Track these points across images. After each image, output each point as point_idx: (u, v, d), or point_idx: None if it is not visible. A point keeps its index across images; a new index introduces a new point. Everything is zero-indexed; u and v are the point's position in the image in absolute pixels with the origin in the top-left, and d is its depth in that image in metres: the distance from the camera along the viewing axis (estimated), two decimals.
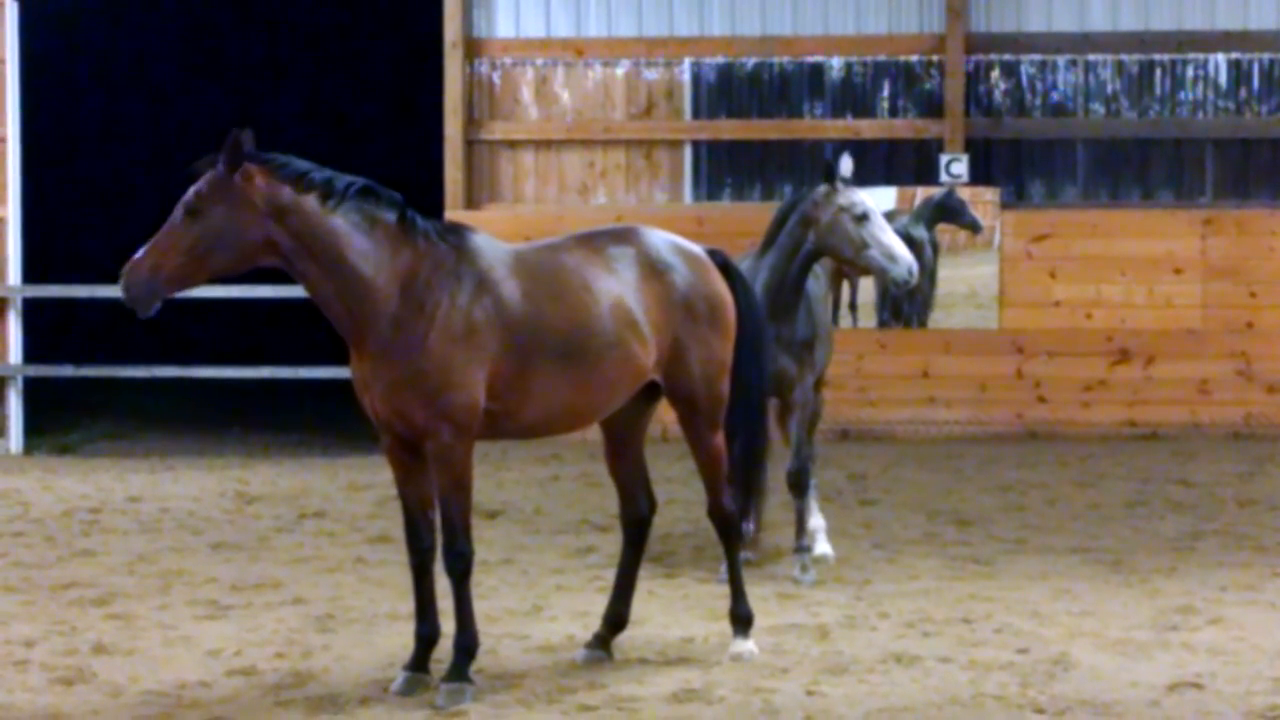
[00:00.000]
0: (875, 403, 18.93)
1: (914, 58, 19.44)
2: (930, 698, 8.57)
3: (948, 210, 19.05)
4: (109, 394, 22.05)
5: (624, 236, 9.26)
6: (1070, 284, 18.88)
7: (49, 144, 22.84)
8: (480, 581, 10.44)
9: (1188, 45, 19.24)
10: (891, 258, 11.26)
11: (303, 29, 28.61)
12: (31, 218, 19.45)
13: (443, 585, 8.79)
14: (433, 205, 19.36)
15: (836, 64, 19.51)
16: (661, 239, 9.31)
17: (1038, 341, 18.88)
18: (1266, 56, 19.22)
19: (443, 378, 8.49)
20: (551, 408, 8.87)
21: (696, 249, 9.41)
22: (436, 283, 8.56)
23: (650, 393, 9.27)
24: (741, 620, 9.46)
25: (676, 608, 10.67)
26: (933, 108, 19.38)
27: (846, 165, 11.53)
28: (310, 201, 8.49)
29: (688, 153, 19.68)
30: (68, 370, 19.52)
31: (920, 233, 18.65)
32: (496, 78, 19.74)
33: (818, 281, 12.10)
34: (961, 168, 19.08)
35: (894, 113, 19.50)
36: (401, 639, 9.51)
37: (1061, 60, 19.38)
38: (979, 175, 19.23)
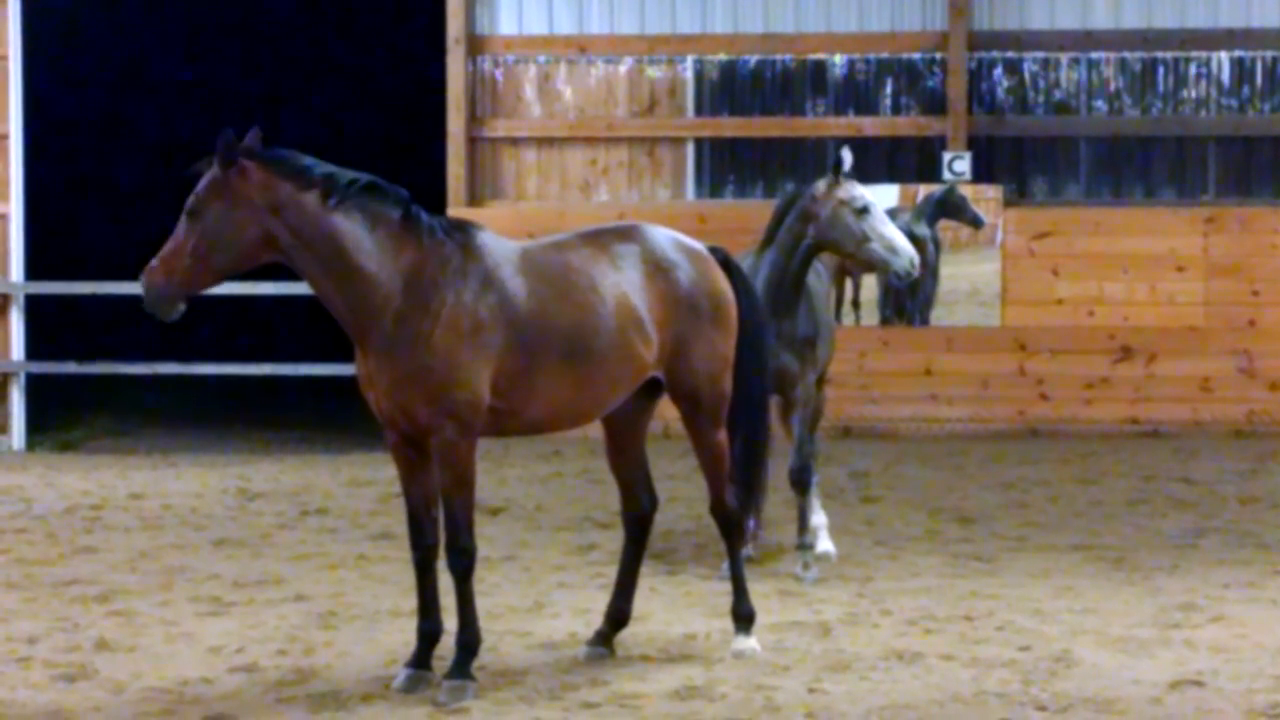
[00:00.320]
0: (877, 400, 18.93)
1: (917, 55, 19.43)
2: (932, 695, 8.57)
3: (950, 207, 19.04)
4: (111, 390, 22.05)
5: (628, 234, 9.26)
6: (1073, 281, 18.88)
7: (51, 140, 22.86)
8: (482, 578, 10.44)
9: (1190, 43, 19.23)
10: (892, 250, 11.26)
11: (305, 26, 28.60)
12: (34, 214, 19.46)
13: (445, 582, 8.79)
14: (435, 202, 19.35)
15: (839, 61, 19.50)
16: (665, 236, 9.31)
17: (1040, 339, 18.88)
18: (1269, 54, 19.20)
19: (447, 375, 8.49)
20: (555, 405, 8.87)
21: (699, 246, 9.41)
22: (442, 280, 8.56)
23: (652, 389, 9.27)
24: (743, 617, 9.46)
25: (679, 605, 10.67)
26: (935, 105, 19.37)
27: (847, 160, 11.53)
28: (310, 198, 8.49)
29: (690, 150, 19.67)
30: (70, 367, 19.53)
31: (922, 230, 18.65)
32: (499, 75, 19.73)
33: (820, 279, 12.10)
34: (964, 165, 19.07)
35: (897, 110, 19.49)
36: (404, 636, 9.52)
37: (1064, 58, 19.37)
38: (981, 173, 19.22)
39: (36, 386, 19.50)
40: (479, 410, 8.58)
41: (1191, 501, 14.58)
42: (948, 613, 10.37)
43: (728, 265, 9.48)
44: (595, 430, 9.60)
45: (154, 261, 8.45)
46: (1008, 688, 8.70)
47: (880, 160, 19.28)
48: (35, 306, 19.60)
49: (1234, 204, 19.12)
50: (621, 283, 8.99)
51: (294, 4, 27.38)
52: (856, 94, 19.50)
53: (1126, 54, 19.31)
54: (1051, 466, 16.59)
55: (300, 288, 9.33)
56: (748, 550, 11.35)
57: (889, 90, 19.48)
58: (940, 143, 19.28)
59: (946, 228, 19.09)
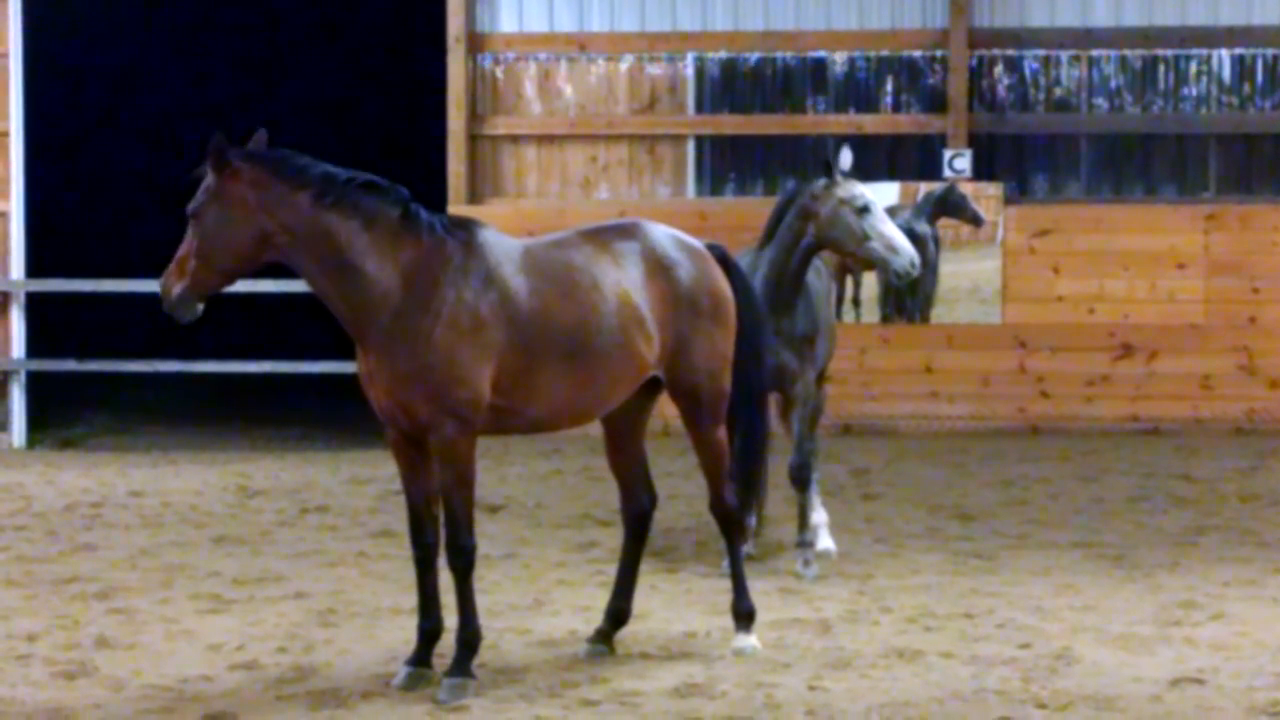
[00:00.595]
0: (878, 397, 18.93)
1: (917, 53, 19.42)
2: (932, 693, 8.57)
3: (950, 205, 19.04)
4: (111, 388, 22.06)
5: (629, 232, 9.26)
6: (1073, 279, 18.88)
7: (52, 138, 22.86)
8: (482, 576, 10.44)
9: (1191, 40, 19.22)
10: (893, 249, 11.26)
11: (306, 23, 28.60)
12: (34, 212, 19.46)
13: (445, 580, 8.79)
14: (435, 200, 19.35)
15: (840, 59, 19.50)
16: (665, 234, 9.31)
17: (1040, 336, 18.88)
18: (1270, 52, 19.20)
19: (448, 372, 8.50)
20: (557, 404, 8.88)
21: (698, 244, 9.42)
22: (444, 277, 8.57)
23: (651, 387, 9.27)
24: (743, 615, 9.45)
25: (679, 602, 10.67)
26: (936, 103, 19.37)
27: (846, 158, 11.52)
28: (304, 197, 8.50)
29: (690, 147, 19.66)
30: (70, 364, 19.54)
31: (922, 227, 18.65)
32: (499, 72, 19.73)
33: (821, 276, 12.10)
34: (964, 163, 19.07)
35: (897, 108, 19.48)
36: (404, 633, 9.52)
37: (1065, 55, 19.36)
38: (982, 170, 19.21)
39: (37, 384, 19.50)
40: (479, 408, 8.58)
41: (1192, 499, 14.58)
42: (948, 610, 10.37)
43: (725, 262, 9.48)
44: (595, 428, 9.61)
45: (170, 266, 8.56)
46: (1008, 685, 8.69)
47: (881, 158, 19.28)
48: (35, 304, 19.60)
49: (1234, 201, 19.11)
50: (623, 281, 9.00)
51: (294, 2, 27.37)
52: (857, 91, 19.50)
53: (1127, 52, 19.31)
54: (1052, 464, 16.59)
55: (300, 285, 9.32)
56: (748, 548, 11.35)
57: (890, 88, 19.47)
58: (941, 140, 19.28)
59: (947, 225, 19.08)
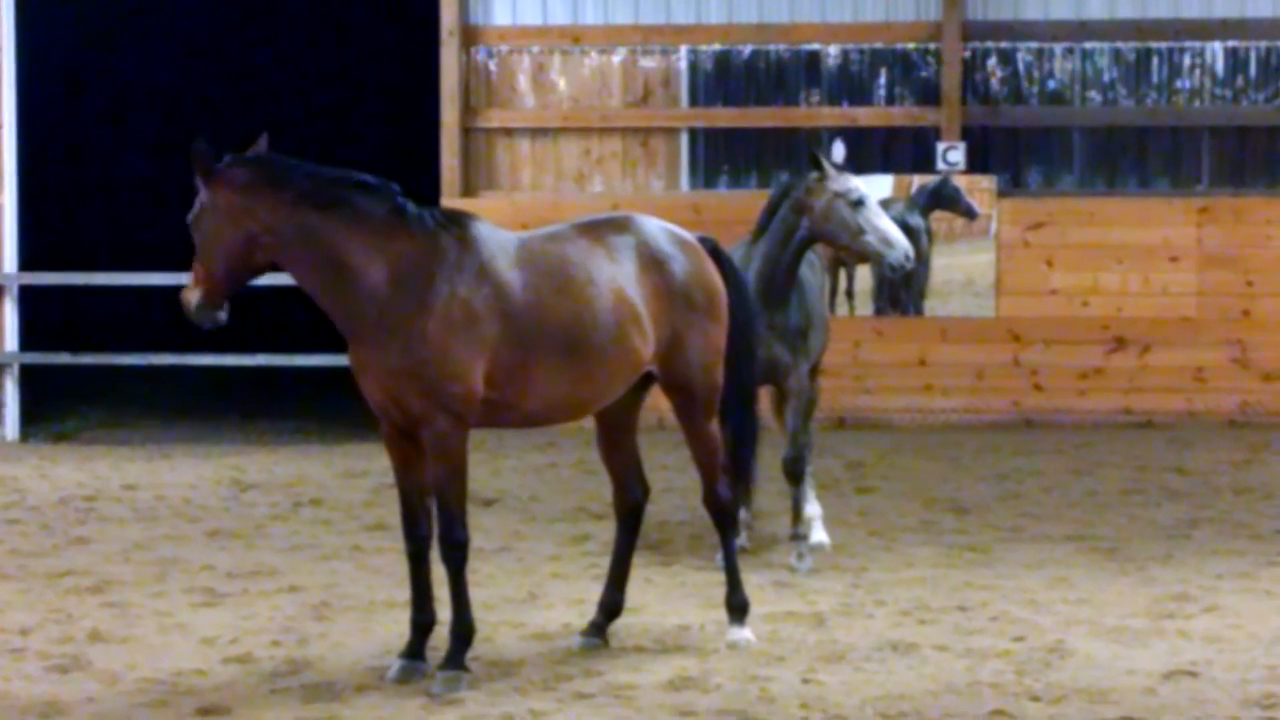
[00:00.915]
0: (872, 390, 18.93)
1: (911, 45, 19.42)
2: (926, 685, 8.57)
3: (943, 198, 19.04)
4: (105, 381, 22.03)
5: (623, 225, 9.26)
6: (1067, 272, 18.88)
7: (47, 131, 22.83)
8: (476, 569, 10.44)
9: (1185, 33, 19.22)
10: (888, 243, 11.26)
11: (301, 17, 28.59)
12: (28, 204, 19.44)
13: (439, 573, 8.79)
14: (429, 193, 19.36)
15: (833, 51, 19.49)
16: (658, 227, 9.31)
17: (1034, 329, 18.88)
18: (1263, 44, 19.20)
19: (441, 367, 8.50)
20: (552, 399, 8.88)
21: (690, 237, 9.42)
22: (438, 272, 8.57)
23: (643, 381, 9.27)
24: (738, 608, 9.46)
25: (673, 596, 10.68)
26: (929, 95, 19.37)
27: (839, 151, 11.51)
28: (287, 198, 8.53)
29: (684, 140, 19.66)
30: (64, 358, 19.52)
31: (916, 220, 18.64)
32: (493, 65, 19.72)
33: (814, 270, 12.09)
34: (958, 155, 19.07)
35: (891, 101, 19.47)
36: (398, 627, 9.51)
37: (1058, 48, 19.36)
38: (976, 163, 19.21)
39: (31, 377, 19.47)
40: (472, 402, 8.58)
41: (1185, 492, 14.59)
42: (942, 603, 10.37)
43: (717, 255, 9.49)
44: (589, 421, 9.61)
45: (190, 277, 8.68)
46: (1002, 678, 8.70)
47: (875, 150, 19.28)
48: (29, 297, 19.57)
49: (1228, 194, 19.12)
50: (618, 276, 8.99)
51: None
52: (851, 84, 19.49)
53: (1121, 44, 19.31)
54: (1045, 457, 16.60)
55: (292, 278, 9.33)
56: (741, 541, 11.36)
57: (883, 80, 19.47)
58: (934, 133, 19.27)
59: (941, 218, 19.08)
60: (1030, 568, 11.46)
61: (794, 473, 11.75)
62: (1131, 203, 19.11)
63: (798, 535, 11.67)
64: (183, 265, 17.33)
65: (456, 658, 8.69)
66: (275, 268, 8.80)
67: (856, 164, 12.12)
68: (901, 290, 19.00)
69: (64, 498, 14.62)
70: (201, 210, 8.58)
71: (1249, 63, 19.23)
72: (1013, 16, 19.37)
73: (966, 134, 19.20)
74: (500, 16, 19.68)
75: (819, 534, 12.00)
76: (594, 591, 9.90)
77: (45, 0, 19.79)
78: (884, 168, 19.19)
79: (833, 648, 9.31)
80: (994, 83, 19.40)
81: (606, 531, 11.37)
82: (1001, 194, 19.12)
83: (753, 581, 10.23)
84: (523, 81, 19.72)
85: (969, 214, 19.05)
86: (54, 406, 20.24)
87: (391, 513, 11.74)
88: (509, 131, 19.72)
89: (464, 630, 8.75)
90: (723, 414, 9.42)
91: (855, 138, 18.52)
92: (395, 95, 28.74)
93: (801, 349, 11.69)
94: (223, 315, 8.71)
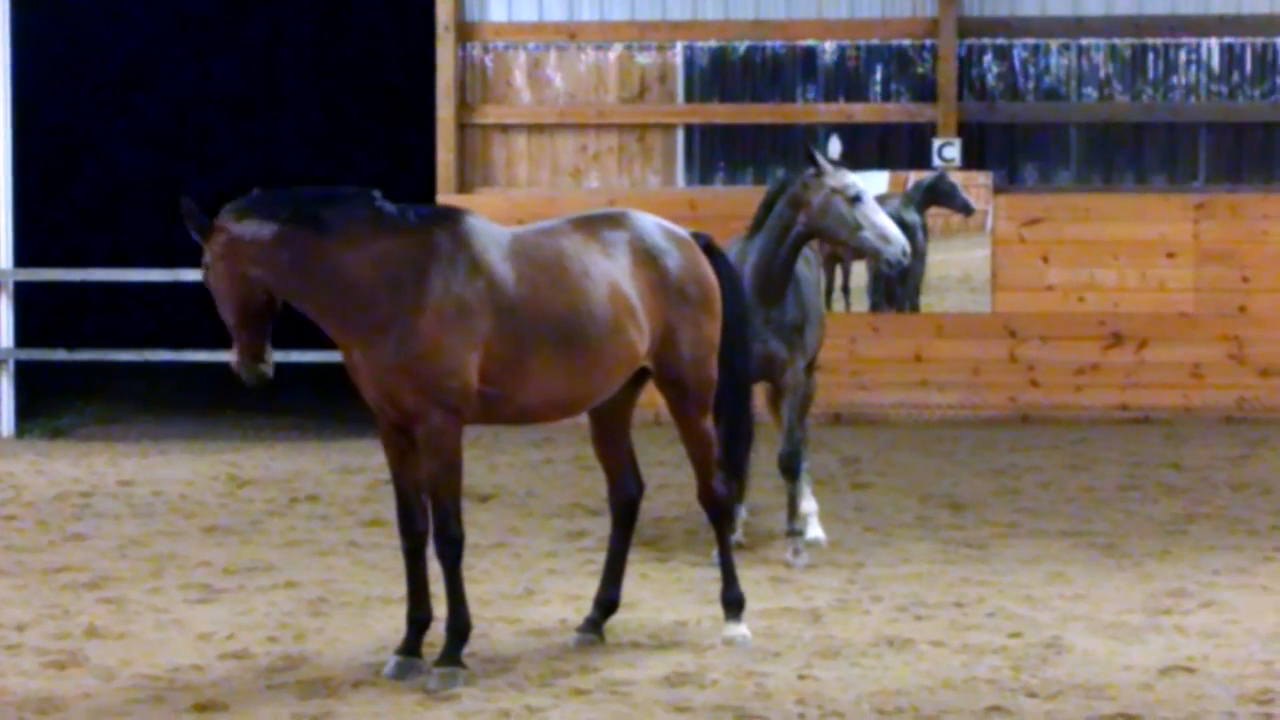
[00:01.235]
0: (868, 386, 18.93)
1: (907, 41, 19.41)
2: (922, 681, 8.57)
3: (939, 194, 19.03)
4: (101, 377, 22.02)
5: (617, 221, 9.26)
6: (1063, 268, 18.89)
7: (42, 126, 22.80)
8: (472, 565, 10.44)
9: (1181, 29, 19.22)
10: (885, 239, 11.25)
11: (297, 13, 28.55)
12: (23, 200, 19.42)
13: (435, 569, 8.79)
14: (425, 189, 19.35)
15: (829, 47, 19.49)
16: (652, 223, 9.31)
17: (1030, 325, 18.89)
18: (1259, 40, 19.20)
19: (434, 362, 8.49)
20: (548, 394, 8.87)
21: (684, 232, 9.41)
22: (431, 267, 8.56)
23: (637, 377, 9.27)
24: (733, 604, 9.46)
25: (669, 591, 10.68)
26: (925, 92, 19.36)
27: (835, 148, 11.51)
28: (269, 228, 8.50)
29: (680, 136, 19.65)
30: (60, 354, 19.50)
31: (912, 216, 18.64)
32: (489, 61, 19.71)
33: (810, 265, 12.09)
34: (954, 152, 19.06)
35: (887, 97, 19.47)
36: (394, 623, 9.51)
37: (1054, 44, 19.36)
38: (972, 159, 19.21)
39: (26, 373, 19.47)
40: (466, 397, 8.58)
41: (1182, 488, 14.60)
42: (938, 599, 10.37)
43: (711, 251, 9.48)
44: (585, 417, 9.60)
45: None
46: (998, 674, 8.70)
47: (871, 146, 19.27)
48: (25, 293, 19.56)
49: (1224, 190, 19.12)
50: (613, 271, 8.99)
51: None
52: (847, 80, 19.49)
53: (1117, 40, 19.31)
54: (1042, 453, 16.60)
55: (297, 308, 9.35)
56: (736, 536, 11.35)
57: (879, 76, 19.46)
58: (930, 129, 19.27)
59: (937, 214, 19.08)
60: (1027, 563, 11.46)
61: (790, 468, 11.75)
62: (1128, 199, 19.11)
63: (794, 531, 11.67)
64: (178, 262, 17.26)
65: (453, 653, 8.68)
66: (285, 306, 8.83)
67: (852, 160, 12.06)
68: (897, 286, 19.00)
69: (60, 494, 14.62)
70: (207, 268, 8.61)
71: (1245, 59, 19.23)
72: (1009, 12, 19.37)
73: (963, 130, 19.20)
74: (496, 12, 19.66)
75: (815, 530, 12.01)
76: (590, 587, 9.90)
77: None
78: (880, 164, 19.18)
79: (829, 643, 9.31)
80: (990, 79, 19.39)
81: (602, 527, 11.38)
82: (997, 190, 19.12)
83: (748, 577, 10.23)
84: (519, 77, 19.70)
85: (965, 210, 19.05)
86: (50, 402, 20.24)
87: (388, 509, 11.75)
88: (505, 127, 19.71)
89: (460, 626, 8.74)
90: (717, 410, 9.41)
91: (851, 133, 18.44)
92: (391, 91, 28.72)
93: (798, 344, 11.69)
94: (266, 369, 8.85)
